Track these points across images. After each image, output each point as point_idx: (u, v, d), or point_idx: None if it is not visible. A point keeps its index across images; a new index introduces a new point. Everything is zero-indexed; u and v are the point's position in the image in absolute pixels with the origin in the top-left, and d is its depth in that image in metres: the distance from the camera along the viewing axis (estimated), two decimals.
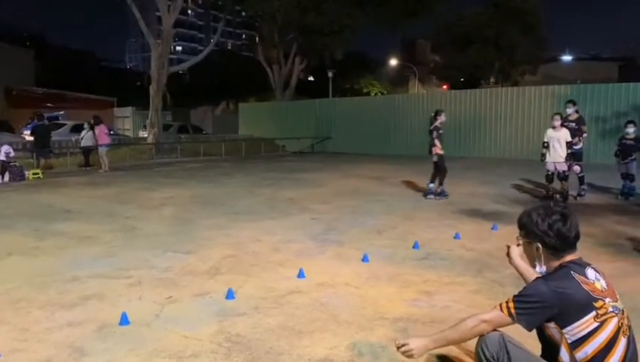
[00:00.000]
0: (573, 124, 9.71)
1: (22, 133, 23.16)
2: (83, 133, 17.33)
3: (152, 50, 22.30)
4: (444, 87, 42.35)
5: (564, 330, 2.20)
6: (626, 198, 9.59)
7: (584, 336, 2.17)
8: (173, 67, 26.97)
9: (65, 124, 22.85)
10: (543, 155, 9.55)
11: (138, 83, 45.54)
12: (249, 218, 8.10)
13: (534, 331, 2.33)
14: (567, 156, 9.27)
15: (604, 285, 2.28)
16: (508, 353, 2.32)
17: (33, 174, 14.27)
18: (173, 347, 3.46)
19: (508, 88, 22.82)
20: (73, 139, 19.74)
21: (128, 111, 32.48)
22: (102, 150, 16.31)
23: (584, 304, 2.19)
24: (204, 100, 43.58)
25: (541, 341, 2.37)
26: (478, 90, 23.34)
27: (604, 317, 2.19)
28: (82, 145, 17.35)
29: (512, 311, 2.26)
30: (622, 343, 2.21)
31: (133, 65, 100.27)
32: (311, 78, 50.48)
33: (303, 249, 6.14)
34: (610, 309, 2.21)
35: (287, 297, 4.43)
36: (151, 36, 22.24)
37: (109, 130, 18.81)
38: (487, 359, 2.36)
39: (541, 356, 2.36)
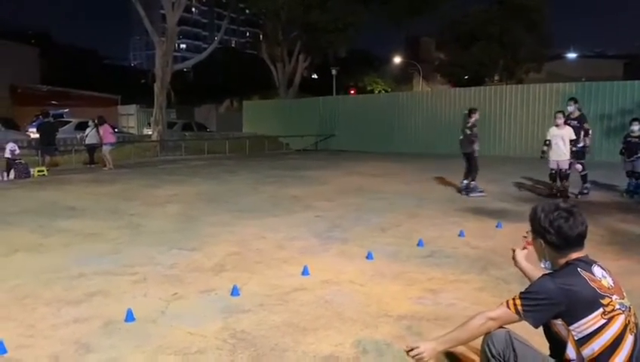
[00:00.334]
0: (575, 122, 9.66)
1: (27, 131, 23.24)
2: (88, 130, 17.38)
3: (156, 47, 22.34)
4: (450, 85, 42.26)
5: (570, 327, 2.20)
6: (631, 196, 9.55)
7: (591, 333, 2.17)
8: (178, 65, 27.01)
9: (69, 122, 22.92)
10: (544, 152, 9.56)
11: (142, 81, 45.73)
12: (253, 215, 8.11)
13: (541, 328, 2.33)
14: (572, 154, 9.24)
15: (611, 282, 2.28)
16: (514, 350, 2.32)
17: (38, 171, 14.32)
18: (179, 343, 3.47)
19: (512, 86, 22.74)
20: (78, 136, 19.80)
21: (132, 108, 32.54)
22: (105, 148, 16.36)
23: (591, 301, 2.19)
24: (208, 98, 43.66)
25: (548, 338, 2.37)
26: (482, 87, 23.28)
27: (611, 314, 2.18)
28: (87, 142, 17.40)
29: (519, 307, 2.26)
30: (629, 340, 2.21)
31: (137, 63, 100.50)
32: (315, 76, 50.47)
33: (307, 246, 6.14)
34: (617, 306, 2.21)
35: (291, 294, 4.43)
36: (155, 34, 22.27)
37: (113, 129, 18.84)
38: (493, 356, 2.36)
39: (549, 354, 2.36)
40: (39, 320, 3.90)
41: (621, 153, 9.86)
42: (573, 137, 9.20)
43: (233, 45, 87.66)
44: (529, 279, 2.72)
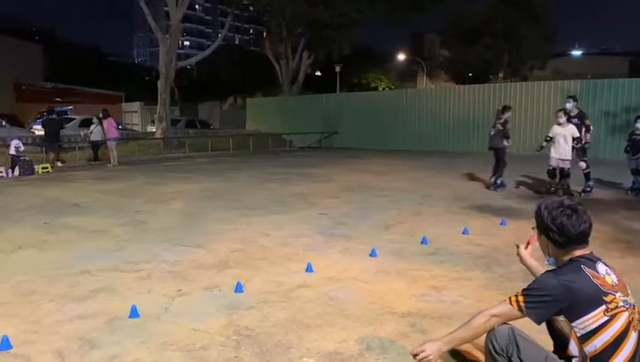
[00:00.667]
0: (576, 120, 9.62)
1: (31, 128, 23.32)
2: (92, 127, 17.43)
3: (160, 45, 22.35)
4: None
5: (573, 324, 2.20)
6: (636, 194, 9.51)
7: (593, 330, 2.17)
8: (181, 62, 27.02)
9: (74, 119, 22.99)
10: (542, 147, 9.65)
11: (146, 78, 45.74)
12: (257, 212, 8.12)
13: (544, 325, 2.33)
14: (577, 152, 9.21)
15: (615, 280, 2.28)
16: (517, 346, 2.32)
17: (42, 168, 14.38)
18: (183, 340, 3.48)
19: (517, 83, 22.67)
20: (82, 133, 19.86)
21: (136, 106, 32.60)
22: (111, 144, 16.39)
23: (593, 298, 2.19)
24: (212, 95, 43.63)
25: (551, 334, 2.37)
26: (486, 85, 23.20)
27: (615, 312, 2.18)
28: (91, 139, 17.44)
29: (522, 304, 2.26)
30: (632, 338, 2.20)
31: (141, 60, 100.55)
32: (318, 73, 50.40)
33: (311, 243, 6.15)
34: (621, 304, 2.21)
35: (295, 291, 4.44)
36: (159, 31, 22.28)
37: (117, 125, 18.89)
38: (496, 352, 2.36)
39: (553, 350, 2.36)
40: (44, 317, 3.92)
41: (626, 151, 9.82)
42: (577, 135, 9.16)
43: (237, 42, 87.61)
44: (534, 275, 2.72)
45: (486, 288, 4.50)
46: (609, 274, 2.28)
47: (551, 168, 9.41)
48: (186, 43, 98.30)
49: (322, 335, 3.53)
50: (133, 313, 3.86)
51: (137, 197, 9.78)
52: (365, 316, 3.87)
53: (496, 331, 2.36)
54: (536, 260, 2.81)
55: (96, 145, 17.31)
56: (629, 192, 9.67)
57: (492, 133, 10.39)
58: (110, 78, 44.35)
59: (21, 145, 14.35)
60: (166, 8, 23.24)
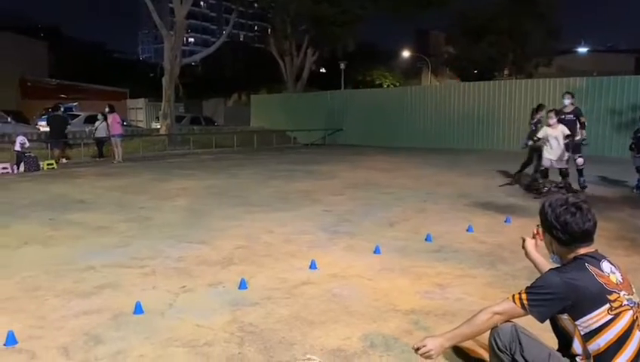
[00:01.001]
0: (571, 116, 9.57)
1: (36, 124, 23.40)
2: (97, 123, 17.47)
3: (164, 41, 22.37)
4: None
5: (577, 322, 2.20)
6: None
7: (597, 328, 2.17)
8: (186, 59, 27.11)
9: (79, 115, 23.04)
10: (526, 145, 10.04)
11: (151, 74, 45.82)
12: (261, 209, 8.13)
13: (548, 323, 2.32)
14: (572, 148, 9.17)
15: (620, 278, 2.27)
16: (520, 343, 2.32)
17: (48, 165, 14.43)
18: (187, 336, 3.50)
19: (522, 80, 22.59)
20: (87, 130, 19.91)
21: (141, 102, 32.62)
22: (116, 140, 16.44)
23: (597, 296, 2.18)
24: (217, 92, 43.69)
25: (555, 332, 2.37)
26: (491, 82, 23.12)
27: (619, 310, 2.18)
28: (96, 136, 17.49)
29: (525, 302, 2.26)
30: (636, 336, 2.20)
31: (145, 56, 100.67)
32: (323, 70, 50.34)
33: (315, 240, 6.15)
34: (625, 302, 2.20)
35: (299, 288, 4.44)
36: (164, 28, 22.30)
37: (122, 121, 18.93)
38: (499, 349, 2.37)
39: (557, 348, 2.36)
40: (49, 312, 3.94)
41: (631, 148, 9.75)
42: (567, 132, 9.04)
43: (242, 39, 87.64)
44: (538, 269, 2.71)
45: (490, 286, 4.49)
46: (613, 273, 2.27)
47: (543, 168, 9.36)
48: (191, 40, 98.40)
49: (326, 332, 3.54)
50: (138, 309, 3.88)
51: (142, 193, 9.81)
52: (369, 313, 3.87)
53: (500, 328, 2.37)
54: (543, 256, 2.80)
55: (100, 142, 17.35)
56: (635, 190, 9.62)
57: (529, 132, 10.44)
58: (115, 74, 44.50)
59: (26, 141, 14.42)
60: (171, 5, 23.25)
